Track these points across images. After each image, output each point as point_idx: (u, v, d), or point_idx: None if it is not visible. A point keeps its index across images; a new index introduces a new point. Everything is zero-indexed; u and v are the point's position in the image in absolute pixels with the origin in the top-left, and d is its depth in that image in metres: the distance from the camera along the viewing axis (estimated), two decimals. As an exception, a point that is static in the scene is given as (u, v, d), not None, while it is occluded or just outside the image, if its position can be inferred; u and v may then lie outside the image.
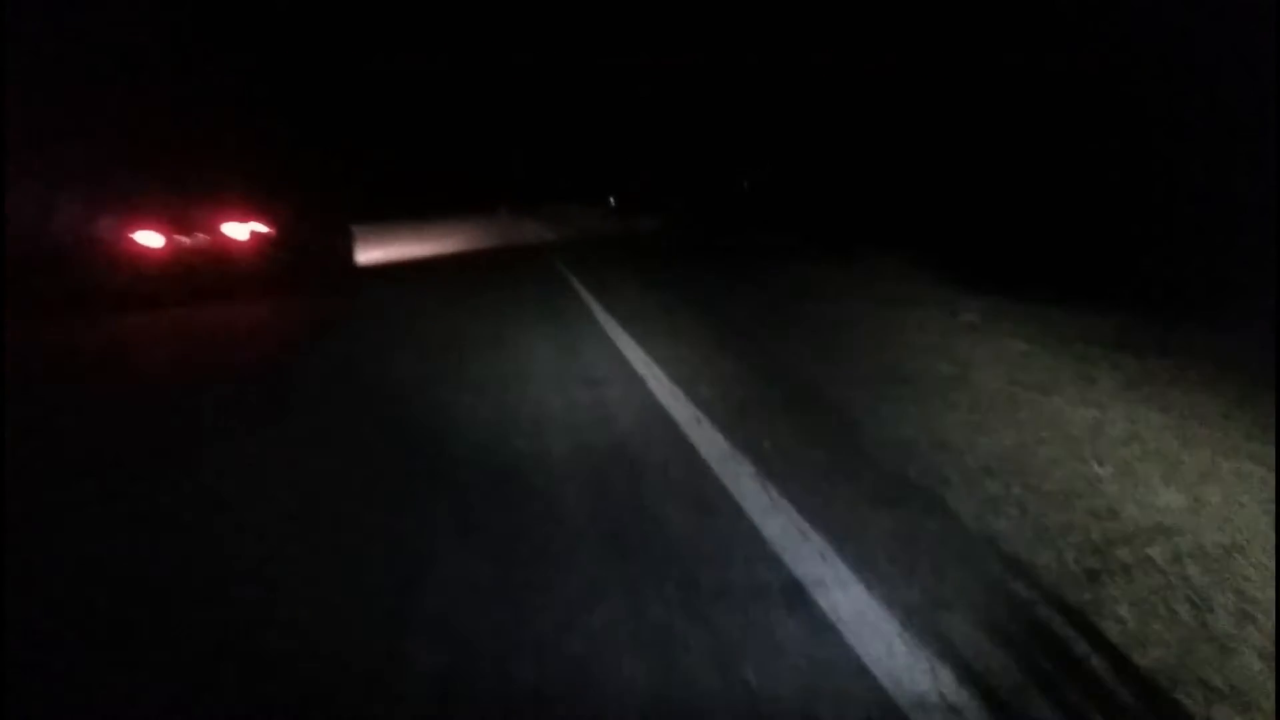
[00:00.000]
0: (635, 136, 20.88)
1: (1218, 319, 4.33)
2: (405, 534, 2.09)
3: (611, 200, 19.46)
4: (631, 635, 1.57)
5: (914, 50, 9.32)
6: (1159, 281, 5.27)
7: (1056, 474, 2.26)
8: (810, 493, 2.18)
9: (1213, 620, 1.53)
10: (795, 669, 1.46)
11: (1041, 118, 7.47)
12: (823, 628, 1.57)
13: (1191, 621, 1.53)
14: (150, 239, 6.46)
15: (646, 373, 3.55)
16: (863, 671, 1.44)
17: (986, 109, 8.32)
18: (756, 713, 1.37)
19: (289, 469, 2.75)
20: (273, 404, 3.67)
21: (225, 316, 6.15)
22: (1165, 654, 1.44)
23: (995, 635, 1.52)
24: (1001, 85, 7.96)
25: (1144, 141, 6.38)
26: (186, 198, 6.65)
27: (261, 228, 6.94)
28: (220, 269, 6.72)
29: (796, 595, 1.67)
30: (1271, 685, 1.34)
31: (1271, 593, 1.61)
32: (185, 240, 6.60)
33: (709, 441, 2.61)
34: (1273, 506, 1.98)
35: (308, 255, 7.34)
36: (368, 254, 9.36)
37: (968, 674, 1.42)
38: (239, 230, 6.82)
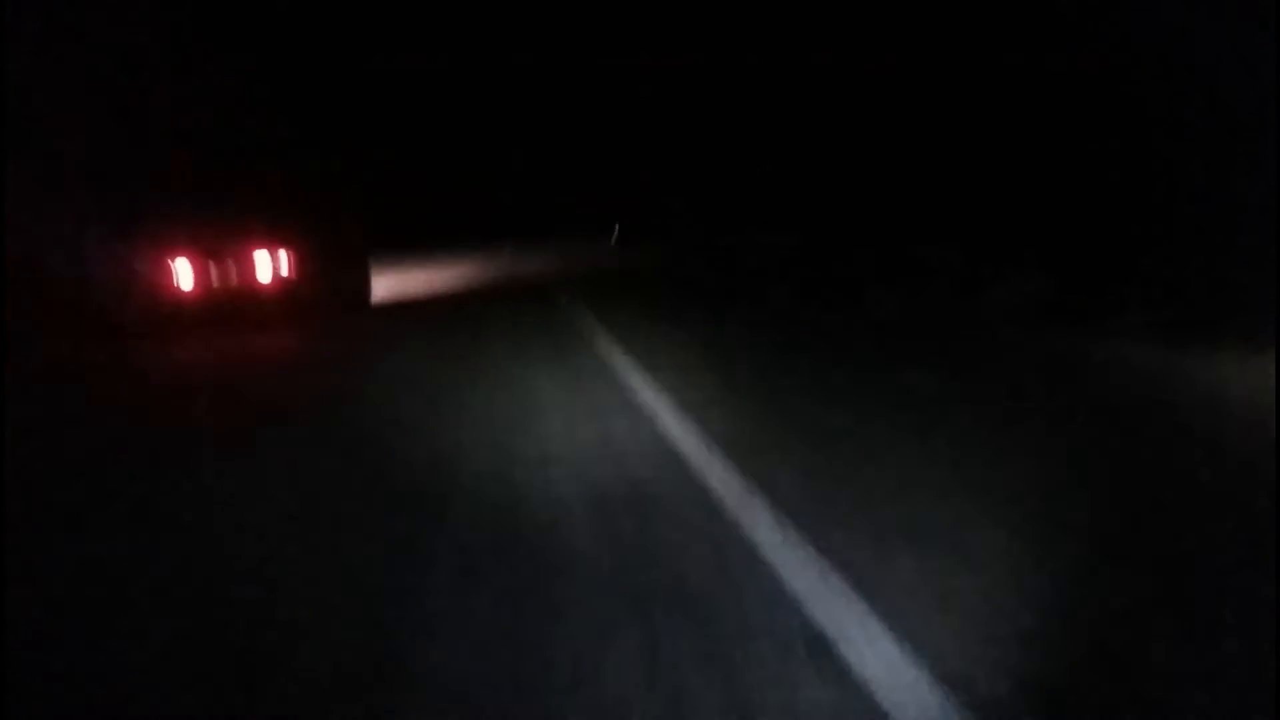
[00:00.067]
0: (640, 165, 20.85)
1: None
2: (404, 583, 1.99)
3: (616, 230, 19.42)
4: (645, 681, 1.49)
5: (913, 51, 9.32)
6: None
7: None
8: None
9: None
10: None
11: (1041, 118, 7.47)
12: (850, 684, 1.44)
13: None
14: (184, 270, 6.72)
15: (655, 408, 3.41)
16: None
17: (986, 110, 8.32)
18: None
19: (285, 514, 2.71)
20: (278, 429, 3.65)
21: (249, 344, 6.39)
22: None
23: (1032, 685, 1.42)
24: (1001, 86, 7.96)
25: (1144, 141, 6.38)
26: (219, 229, 6.89)
27: (288, 260, 7.18)
28: (249, 299, 6.96)
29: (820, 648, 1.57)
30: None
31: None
32: (217, 271, 6.86)
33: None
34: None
35: (329, 288, 7.52)
36: (382, 284, 9.35)
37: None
38: (267, 261, 7.06)
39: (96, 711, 1.65)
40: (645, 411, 3.42)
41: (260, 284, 7.07)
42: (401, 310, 8.24)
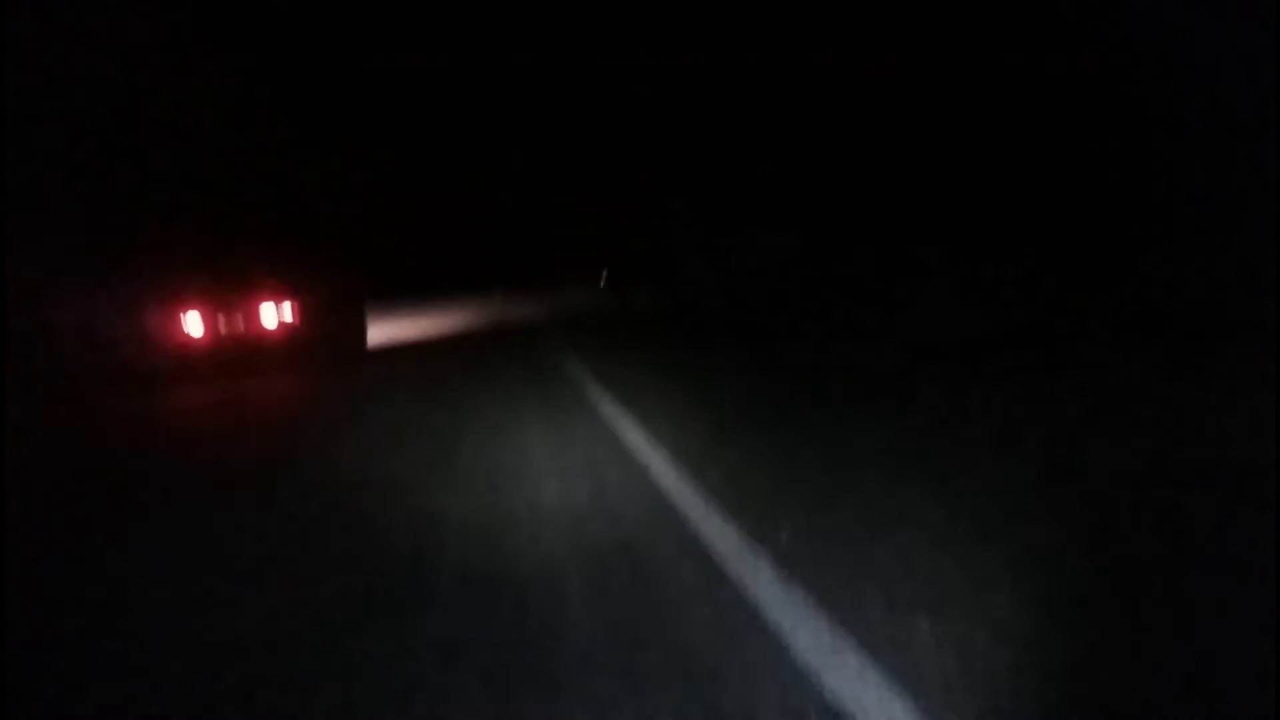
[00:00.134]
0: (640, 165, 20.87)
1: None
2: (385, 654, 1.84)
3: (604, 275, 19.60)
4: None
5: (913, 51, 9.32)
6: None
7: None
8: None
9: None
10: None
11: (1041, 118, 7.46)
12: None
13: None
14: (193, 323, 7.07)
15: (648, 460, 3.24)
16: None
17: (986, 110, 8.32)
18: None
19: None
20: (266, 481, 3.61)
21: (250, 392, 6.70)
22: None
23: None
24: (1001, 86, 7.96)
25: (1144, 141, 6.38)
26: (226, 281, 7.23)
27: (291, 310, 7.49)
28: (253, 348, 7.27)
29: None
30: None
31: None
32: (224, 323, 7.19)
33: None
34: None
35: (328, 335, 7.81)
36: (376, 331, 9.44)
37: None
38: (272, 313, 7.38)
39: (96, 711, 1.66)
40: (638, 460, 3.34)
41: (264, 333, 7.36)
42: (395, 358, 8.47)
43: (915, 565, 2.02)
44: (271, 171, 8.04)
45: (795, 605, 1.85)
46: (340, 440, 4.44)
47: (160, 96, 7.62)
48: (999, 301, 6.77)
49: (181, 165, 7.53)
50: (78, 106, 7.10)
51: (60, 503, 3.47)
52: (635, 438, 3.61)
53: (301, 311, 7.53)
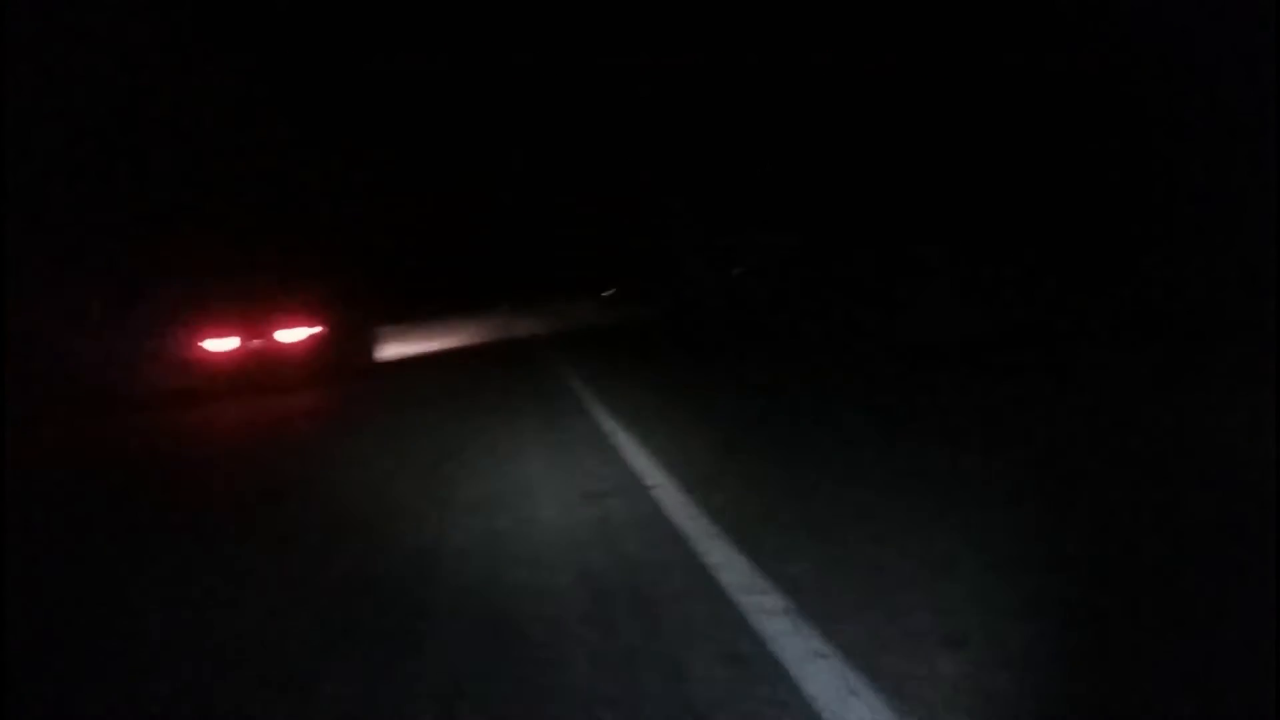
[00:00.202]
0: (640, 165, 20.98)
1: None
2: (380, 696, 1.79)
3: (608, 292, 19.90)
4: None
5: (913, 51, 9.32)
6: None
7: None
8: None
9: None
10: None
11: (1041, 118, 7.47)
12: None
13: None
14: (221, 344, 7.58)
15: (653, 481, 3.26)
16: None
17: (986, 110, 8.32)
18: None
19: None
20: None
21: (270, 408, 6.95)
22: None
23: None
24: (1001, 86, 7.96)
25: (1144, 141, 6.38)
26: (251, 304, 7.76)
27: (310, 330, 8.02)
28: (276, 368, 7.79)
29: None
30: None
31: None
32: (249, 340, 7.69)
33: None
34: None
35: (343, 354, 8.39)
36: (386, 348, 9.91)
37: None
38: (294, 334, 7.90)
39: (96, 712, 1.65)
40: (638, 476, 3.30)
41: (284, 352, 7.88)
42: (404, 373, 8.75)
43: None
44: (294, 192, 8.76)
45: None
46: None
47: (189, 111, 8.59)
48: (999, 301, 6.77)
49: (204, 183, 8.20)
50: (103, 120, 7.60)
51: (65, 510, 3.48)
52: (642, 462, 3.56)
53: (319, 333, 8.03)
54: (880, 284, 8.89)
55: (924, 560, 2.08)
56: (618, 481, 3.23)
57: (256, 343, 7.69)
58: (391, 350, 10.47)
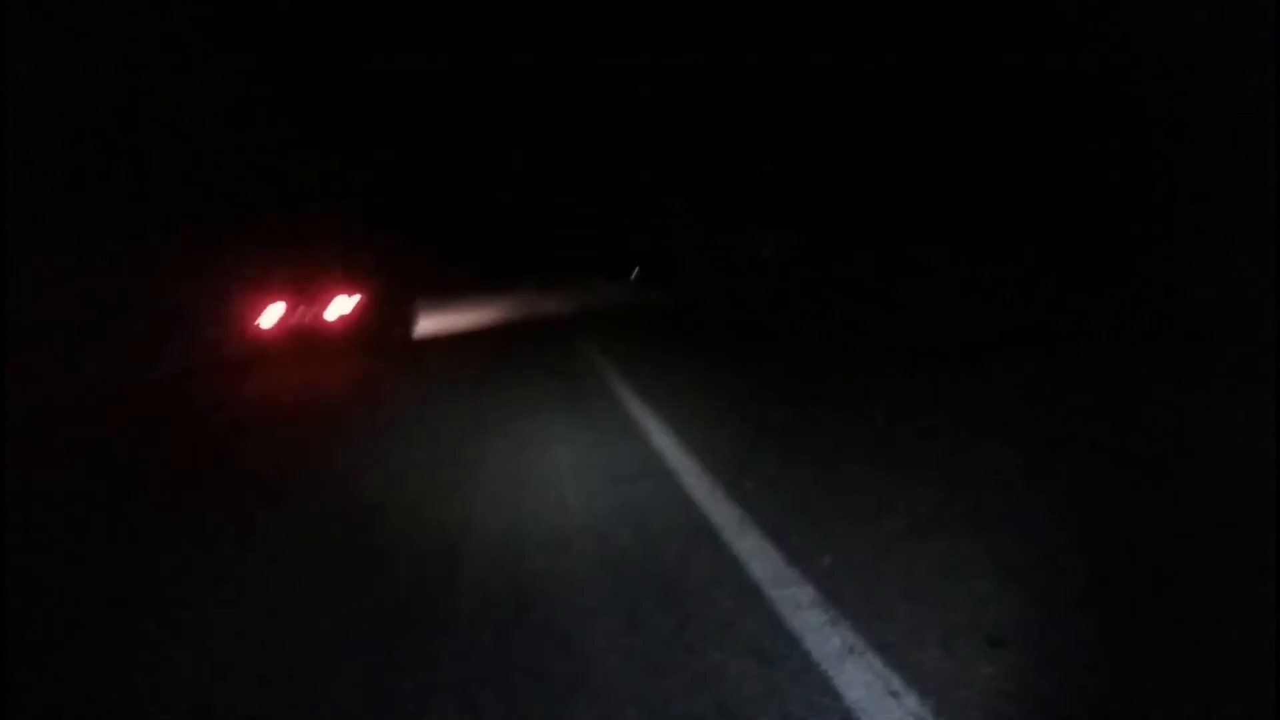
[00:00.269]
0: (640, 165, 21.07)
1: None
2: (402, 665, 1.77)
3: (636, 271, 19.98)
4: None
5: (913, 51, 9.32)
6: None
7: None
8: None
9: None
10: None
11: (1041, 118, 7.46)
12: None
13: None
14: (274, 311, 8.03)
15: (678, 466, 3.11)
16: None
17: (986, 110, 8.32)
18: None
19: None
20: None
21: (320, 375, 7.31)
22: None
23: None
24: (1001, 86, 7.95)
25: (1144, 141, 6.38)
26: (303, 277, 8.22)
27: (353, 303, 8.41)
28: (320, 336, 8.22)
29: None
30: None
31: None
32: (298, 312, 8.13)
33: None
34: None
35: (384, 325, 8.82)
36: (422, 323, 10.37)
37: None
38: (340, 305, 8.29)
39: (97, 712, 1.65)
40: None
41: (330, 324, 8.30)
42: (436, 347, 9.02)
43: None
44: (341, 179, 9.70)
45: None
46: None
47: (189, 111, 8.90)
48: (999, 301, 6.77)
49: (264, 173, 8.93)
50: (103, 120, 8.14)
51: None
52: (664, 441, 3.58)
53: (362, 306, 8.46)
54: (880, 284, 8.89)
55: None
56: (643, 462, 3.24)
57: (303, 315, 8.10)
58: (425, 325, 10.86)
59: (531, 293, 18.05)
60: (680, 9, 16.01)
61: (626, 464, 3.12)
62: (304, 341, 8.11)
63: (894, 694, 1.45)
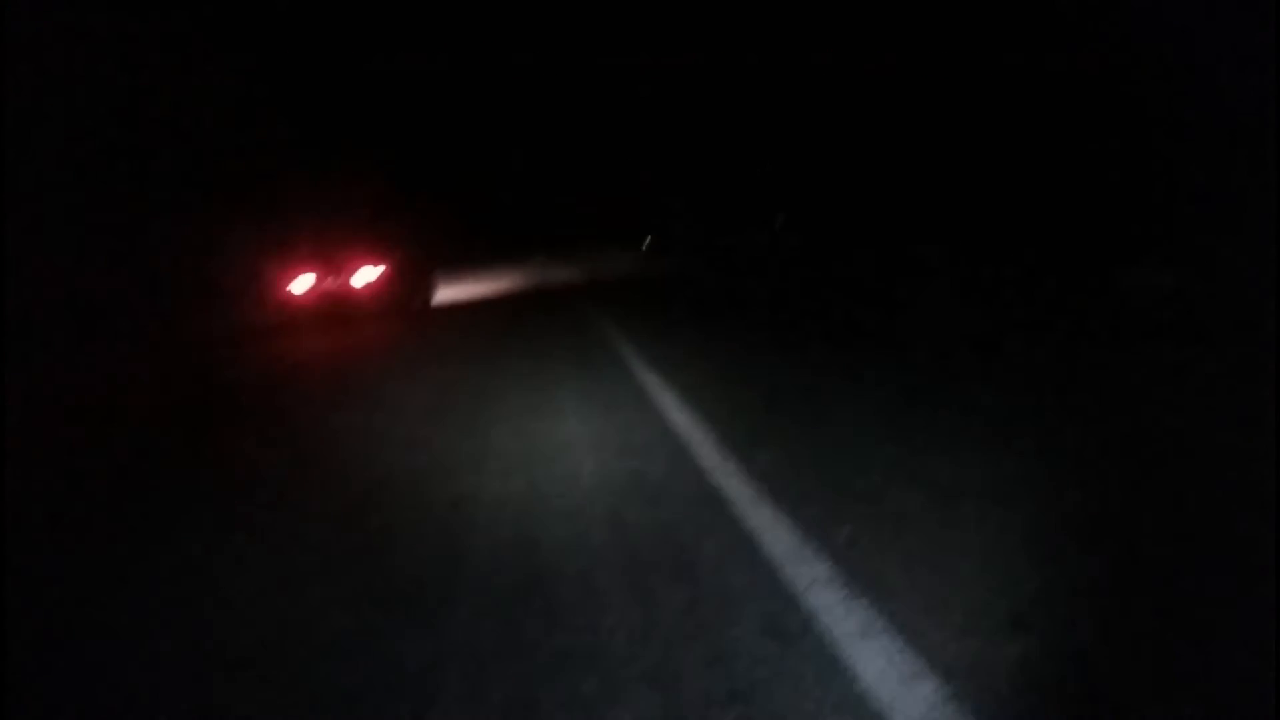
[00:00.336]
0: (640, 165, 21.22)
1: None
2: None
3: (647, 240, 20.14)
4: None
5: (913, 51, 9.32)
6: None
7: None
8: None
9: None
10: None
11: (1041, 118, 7.46)
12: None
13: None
14: (305, 280, 8.47)
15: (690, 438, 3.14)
16: None
17: (986, 110, 8.31)
18: None
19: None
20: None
21: (346, 341, 7.76)
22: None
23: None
24: (1001, 86, 7.95)
25: (1144, 141, 6.38)
26: (331, 247, 8.63)
27: (378, 272, 8.84)
28: (347, 304, 8.66)
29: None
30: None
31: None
32: (327, 281, 8.57)
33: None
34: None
35: (406, 294, 9.27)
36: (444, 291, 11.06)
37: None
38: (365, 274, 8.73)
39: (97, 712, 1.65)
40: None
41: (356, 290, 8.68)
42: (449, 315, 9.33)
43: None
44: (368, 160, 10.12)
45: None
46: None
47: (189, 110, 9.43)
48: (999, 301, 6.76)
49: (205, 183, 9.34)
50: (103, 120, 8.58)
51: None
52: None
53: (386, 275, 8.85)
54: (880, 284, 8.88)
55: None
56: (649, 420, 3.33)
57: (332, 283, 8.53)
58: (440, 294, 11.38)
59: (541, 265, 18.69)
60: (680, 9, 16.01)
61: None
62: (333, 306, 8.50)
63: (913, 675, 1.40)
